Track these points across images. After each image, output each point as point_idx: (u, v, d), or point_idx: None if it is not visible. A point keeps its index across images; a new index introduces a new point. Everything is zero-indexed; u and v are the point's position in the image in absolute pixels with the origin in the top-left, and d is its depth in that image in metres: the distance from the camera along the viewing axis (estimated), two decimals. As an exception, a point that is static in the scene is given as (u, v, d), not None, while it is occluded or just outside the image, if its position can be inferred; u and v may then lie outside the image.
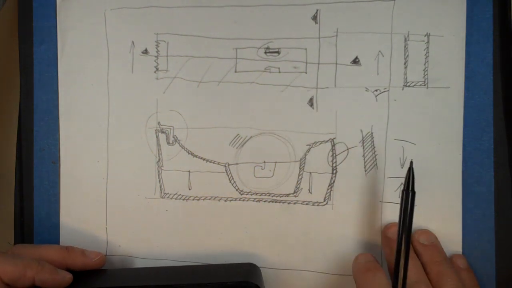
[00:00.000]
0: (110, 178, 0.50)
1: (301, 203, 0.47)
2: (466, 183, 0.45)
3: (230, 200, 0.48)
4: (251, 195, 0.47)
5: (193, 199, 0.48)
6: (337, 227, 0.46)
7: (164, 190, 0.49)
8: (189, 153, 0.48)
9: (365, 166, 0.46)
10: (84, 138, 0.50)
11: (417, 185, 0.45)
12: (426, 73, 0.45)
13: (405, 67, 0.45)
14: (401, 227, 0.40)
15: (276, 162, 0.47)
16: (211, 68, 0.47)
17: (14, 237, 0.52)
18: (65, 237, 0.50)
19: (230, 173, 0.48)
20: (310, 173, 0.47)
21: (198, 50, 0.48)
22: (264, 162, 0.47)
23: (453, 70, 0.44)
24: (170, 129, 0.48)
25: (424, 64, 0.45)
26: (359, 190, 0.46)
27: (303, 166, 0.47)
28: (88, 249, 0.48)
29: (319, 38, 0.46)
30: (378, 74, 0.45)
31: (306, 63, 0.46)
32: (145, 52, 0.49)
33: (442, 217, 0.45)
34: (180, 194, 0.49)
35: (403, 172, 0.45)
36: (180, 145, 0.48)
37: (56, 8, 0.50)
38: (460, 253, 0.45)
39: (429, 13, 0.44)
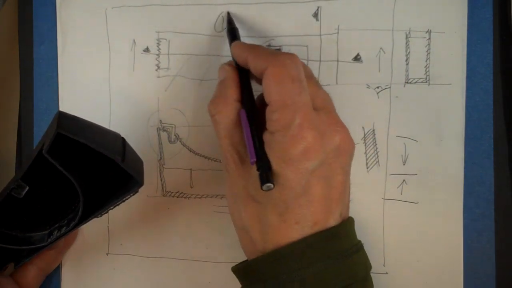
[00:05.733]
0: (111, 177, 0.49)
1: (303, 201, 0.47)
2: (466, 183, 0.45)
3: (232, 198, 0.48)
4: (253, 193, 0.47)
5: (195, 197, 0.48)
6: (340, 225, 0.46)
7: (165, 188, 0.49)
8: (190, 151, 0.48)
9: (367, 163, 0.46)
10: (85, 137, 0.50)
11: (418, 182, 0.45)
12: (427, 69, 0.45)
13: (407, 64, 0.45)
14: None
15: (278, 160, 0.47)
16: (213, 66, 0.47)
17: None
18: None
19: (232, 171, 0.48)
20: (312, 170, 0.46)
21: (200, 48, 0.48)
22: (266, 160, 0.47)
23: (454, 66, 0.44)
24: (172, 127, 0.48)
25: (426, 61, 0.45)
26: (361, 187, 0.46)
27: (305, 164, 0.46)
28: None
29: (320, 35, 0.46)
30: (379, 71, 0.45)
31: (308, 60, 0.46)
32: (147, 50, 0.49)
33: (443, 215, 0.45)
34: (182, 193, 0.48)
35: (405, 169, 0.45)
36: (181, 143, 0.48)
37: (56, 8, 0.50)
38: (461, 254, 0.45)
39: (430, 9, 0.44)
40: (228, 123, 0.39)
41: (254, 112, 0.38)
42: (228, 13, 0.47)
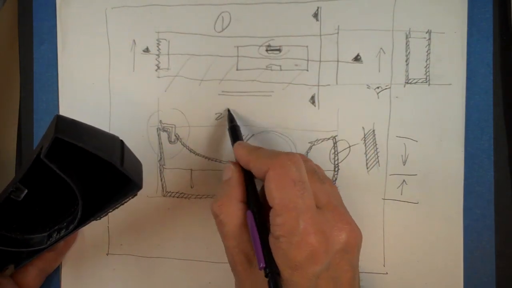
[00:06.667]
0: (111, 178, 0.49)
1: (303, 201, 0.47)
2: (466, 183, 0.45)
3: (232, 198, 0.48)
4: (253, 193, 0.47)
5: (195, 198, 0.48)
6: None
7: (166, 188, 0.49)
8: (191, 152, 0.48)
9: (367, 164, 0.46)
10: (85, 137, 0.50)
11: (418, 182, 0.45)
12: (427, 70, 0.45)
13: (407, 64, 0.45)
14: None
15: (278, 160, 0.47)
16: (213, 66, 0.47)
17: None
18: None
19: (232, 171, 0.48)
20: (312, 170, 0.46)
21: (199, 48, 0.48)
22: (266, 160, 0.47)
23: (454, 67, 0.44)
24: (172, 127, 0.48)
25: (426, 61, 0.45)
26: (361, 188, 0.46)
27: (305, 164, 0.46)
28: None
29: (320, 35, 0.46)
30: (379, 71, 0.45)
31: (308, 60, 0.46)
32: (146, 50, 0.48)
33: (443, 215, 0.45)
34: (182, 193, 0.48)
35: (405, 169, 0.45)
36: (182, 144, 0.48)
37: (56, 8, 0.50)
38: (461, 254, 0.45)
39: (430, 9, 0.44)
40: (234, 224, 0.38)
41: (260, 214, 0.38)
42: (229, 110, 0.47)
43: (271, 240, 0.35)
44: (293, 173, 0.36)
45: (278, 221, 0.35)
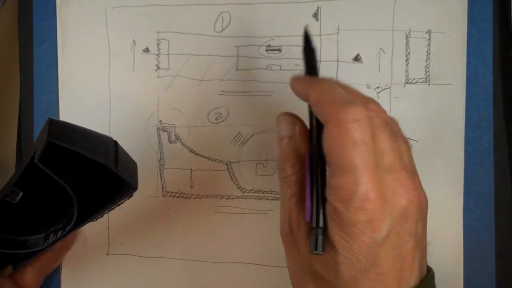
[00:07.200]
0: (111, 177, 0.49)
1: (304, 201, 0.47)
2: (466, 183, 0.45)
3: (232, 198, 0.48)
4: (253, 193, 0.47)
5: (195, 197, 0.48)
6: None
7: (166, 188, 0.49)
8: (190, 151, 0.48)
9: (367, 164, 0.46)
10: (85, 137, 0.50)
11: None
12: (427, 70, 0.45)
13: (407, 64, 0.45)
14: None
15: (278, 160, 0.47)
16: (213, 66, 0.47)
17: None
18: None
19: (232, 171, 0.48)
20: (312, 170, 0.46)
21: (199, 48, 0.48)
22: (266, 160, 0.47)
23: (454, 66, 0.44)
24: (172, 127, 0.48)
25: (426, 61, 0.45)
26: (361, 188, 0.46)
27: (305, 164, 0.46)
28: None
29: (320, 35, 0.46)
30: (379, 71, 0.45)
31: (308, 60, 0.46)
32: (146, 50, 0.48)
33: (443, 215, 0.45)
34: (182, 193, 0.48)
35: (405, 169, 0.45)
36: (181, 144, 0.48)
37: (56, 8, 0.50)
38: (461, 254, 0.45)
39: (430, 9, 0.44)
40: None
41: (322, 167, 0.34)
42: (305, 29, 0.38)
43: (327, 205, 0.33)
44: (355, 133, 0.31)
45: (333, 184, 0.32)
